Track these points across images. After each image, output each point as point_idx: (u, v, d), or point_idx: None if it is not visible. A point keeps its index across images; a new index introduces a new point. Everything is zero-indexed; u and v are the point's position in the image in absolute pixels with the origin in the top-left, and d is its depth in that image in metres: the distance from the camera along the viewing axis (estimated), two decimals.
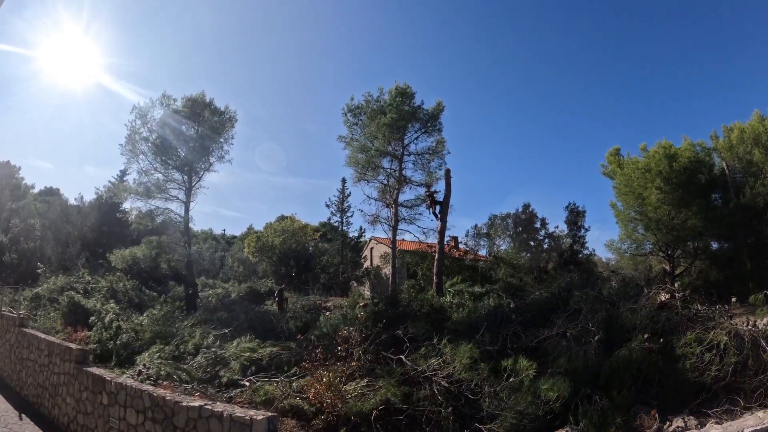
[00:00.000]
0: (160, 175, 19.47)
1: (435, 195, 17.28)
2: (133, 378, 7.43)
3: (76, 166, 77.36)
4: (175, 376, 7.95)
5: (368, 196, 20.46)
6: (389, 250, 21.23)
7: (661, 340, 7.28)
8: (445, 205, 16.55)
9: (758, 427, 3.92)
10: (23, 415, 8.44)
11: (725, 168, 24.02)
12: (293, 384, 7.77)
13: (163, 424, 5.60)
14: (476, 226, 26.86)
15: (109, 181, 32.89)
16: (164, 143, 19.19)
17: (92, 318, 11.42)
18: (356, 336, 8.81)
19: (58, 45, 33.59)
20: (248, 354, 9.45)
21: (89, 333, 10.81)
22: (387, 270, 24.41)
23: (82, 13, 47.72)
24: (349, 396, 6.83)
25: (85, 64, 41.49)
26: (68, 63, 38.13)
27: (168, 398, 5.62)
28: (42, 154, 73.53)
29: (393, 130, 18.76)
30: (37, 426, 8.03)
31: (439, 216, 16.72)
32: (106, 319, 11.13)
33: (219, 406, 5.07)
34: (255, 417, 4.44)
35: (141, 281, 18.96)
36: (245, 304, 16.28)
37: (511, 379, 6.57)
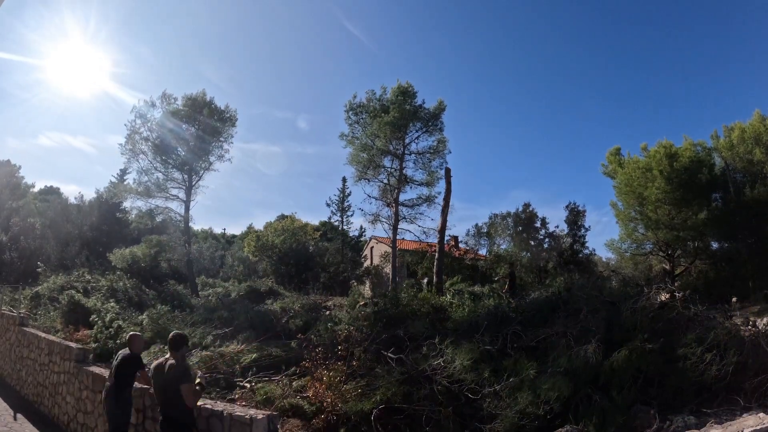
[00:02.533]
0: (160, 175, 19.50)
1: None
2: None
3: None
4: None
5: (369, 195, 20.54)
6: (389, 250, 21.25)
7: (661, 340, 7.26)
8: (445, 204, 16.56)
9: (758, 427, 3.92)
10: (18, 415, 8.43)
11: (726, 167, 24.00)
12: (293, 383, 7.77)
13: None
14: (476, 225, 26.84)
15: (110, 181, 32.95)
16: (164, 142, 19.20)
17: (92, 317, 11.40)
18: (356, 335, 8.81)
19: (65, 54, 33.63)
20: (248, 353, 9.44)
21: (89, 332, 10.79)
22: (387, 269, 24.41)
23: (89, 22, 47.67)
24: (349, 395, 6.81)
25: (92, 72, 41.60)
26: (75, 71, 38.22)
27: None
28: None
29: (394, 128, 18.79)
30: (37, 425, 8.03)
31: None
32: (107, 318, 11.11)
33: (219, 405, 5.07)
34: (255, 416, 4.43)
35: (141, 280, 18.93)
36: (245, 303, 16.25)
37: (511, 379, 6.55)
